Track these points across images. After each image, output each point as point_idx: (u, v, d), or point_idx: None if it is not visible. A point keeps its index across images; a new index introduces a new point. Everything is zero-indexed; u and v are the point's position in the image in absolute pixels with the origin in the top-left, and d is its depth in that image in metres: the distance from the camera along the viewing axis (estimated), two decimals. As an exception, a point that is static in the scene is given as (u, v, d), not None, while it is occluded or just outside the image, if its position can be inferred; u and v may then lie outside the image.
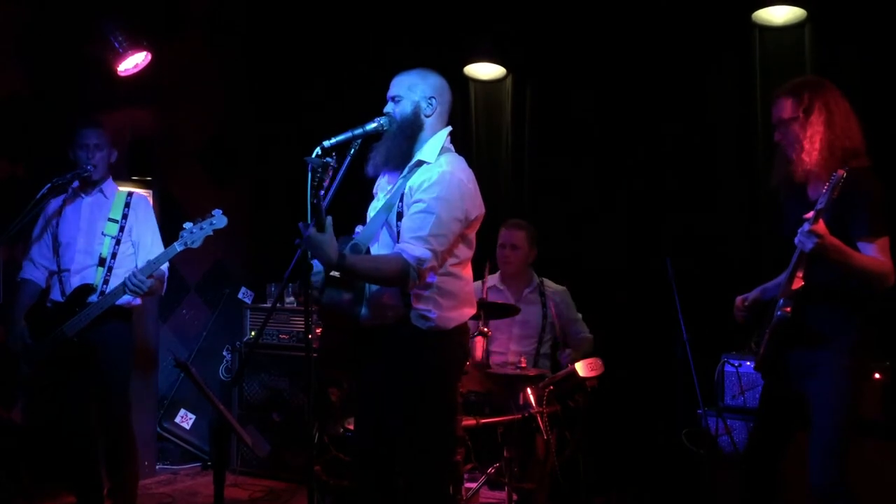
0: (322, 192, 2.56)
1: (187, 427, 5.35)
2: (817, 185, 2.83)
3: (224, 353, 5.40)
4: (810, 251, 2.69)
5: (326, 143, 2.66)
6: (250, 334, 5.23)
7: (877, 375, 3.50)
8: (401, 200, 2.82)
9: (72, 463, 4.01)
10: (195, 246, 3.72)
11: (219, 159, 5.99)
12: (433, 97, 2.90)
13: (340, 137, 2.72)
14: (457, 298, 2.87)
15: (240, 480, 4.96)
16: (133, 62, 4.60)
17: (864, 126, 2.92)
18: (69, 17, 4.79)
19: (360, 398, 3.01)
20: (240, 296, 5.39)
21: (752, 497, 3.02)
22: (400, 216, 2.81)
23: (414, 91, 2.88)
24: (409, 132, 2.86)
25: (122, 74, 4.63)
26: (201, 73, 5.80)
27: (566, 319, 4.32)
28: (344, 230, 3.27)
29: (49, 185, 3.84)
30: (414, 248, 2.68)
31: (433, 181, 2.76)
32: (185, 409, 5.35)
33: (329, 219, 2.60)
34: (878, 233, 2.78)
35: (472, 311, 2.96)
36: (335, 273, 2.60)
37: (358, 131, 2.77)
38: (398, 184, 2.87)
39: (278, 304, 5.12)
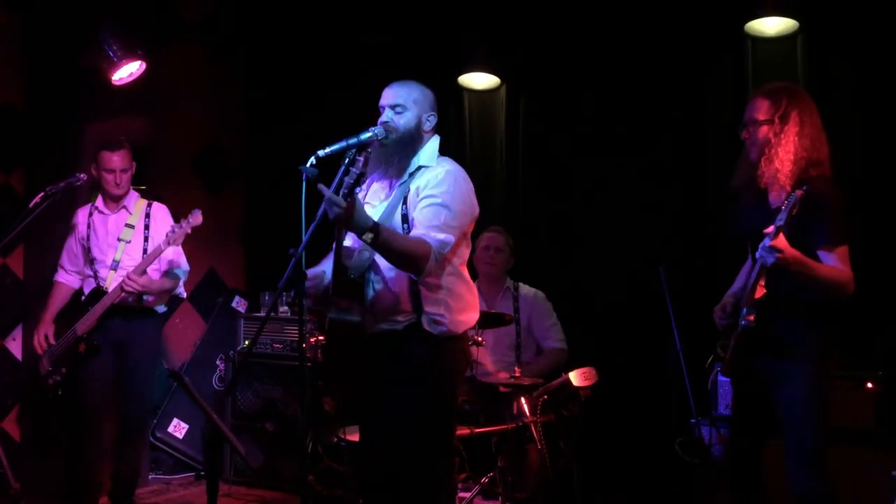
0: (351, 184, 2.65)
1: (180, 437, 5.33)
2: (780, 192, 2.87)
3: (217, 362, 5.38)
4: (771, 266, 2.71)
5: (321, 153, 2.71)
6: (244, 343, 5.22)
7: (869, 385, 3.51)
8: (404, 203, 2.89)
9: (76, 463, 4.10)
10: (177, 244, 3.97)
11: (212, 168, 5.99)
12: (432, 114, 3.01)
13: (335, 147, 2.76)
14: (465, 301, 2.97)
15: (233, 490, 4.94)
16: (127, 71, 4.60)
17: (856, 136, 2.95)
18: (63, 26, 4.79)
19: (365, 410, 3.04)
20: (233, 305, 5.38)
21: (738, 501, 3.04)
22: (405, 218, 2.87)
23: (418, 105, 2.96)
24: (411, 142, 2.94)
25: (117, 83, 4.62)
26: (195, 81, 5.80)
27: (536, 323, 4.30)
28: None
29: (42, 193, 3.87)
30: (436, 234, 2.77)
31: (441, 178, 2.87)
32: (178, 418, 5.33)
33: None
34: (837, 241, 2.80)
35: (477, 314, 3.05)
36: (368, 236, 2.62)
37: (353, 141, 2.80)
38: (399, 189, 2.93)
39: (272, 314, 5.11)
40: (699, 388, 3.81)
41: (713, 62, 4.47)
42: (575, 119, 4.82)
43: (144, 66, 4.63)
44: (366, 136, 2.83)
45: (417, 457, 2.87)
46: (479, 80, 5.09)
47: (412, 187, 2.90)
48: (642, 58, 4.59)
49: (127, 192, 4.19)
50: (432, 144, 3.00)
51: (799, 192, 2.68)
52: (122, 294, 3.95)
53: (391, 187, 2.97)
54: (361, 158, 2.61)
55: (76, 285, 4.26)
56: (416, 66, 4.91)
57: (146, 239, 4.16)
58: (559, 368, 4.09)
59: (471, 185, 2.97)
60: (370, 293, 2.87)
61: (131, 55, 4.57)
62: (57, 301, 4.23)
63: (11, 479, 4.41)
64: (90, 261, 4.16)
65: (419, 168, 2.94)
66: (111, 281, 4.06)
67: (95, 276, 4.13)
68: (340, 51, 5.54)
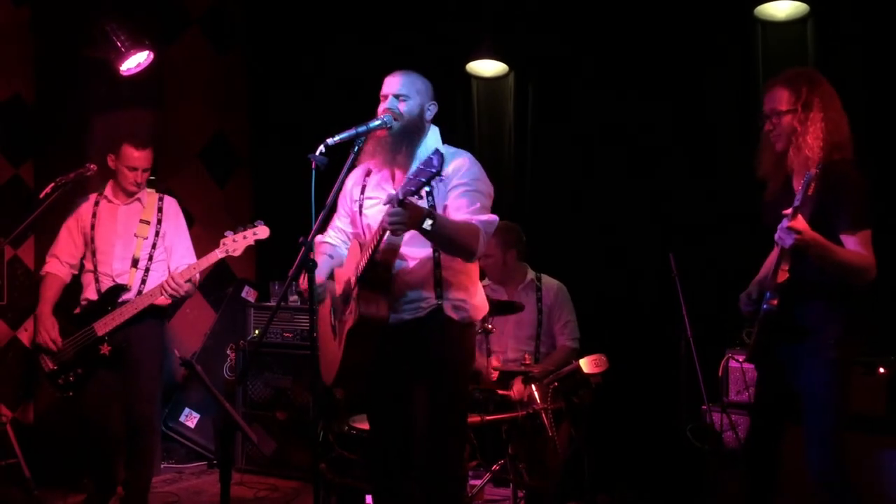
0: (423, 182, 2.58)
1: (192, 426, 5.35)
2: (802, 177, 2.85)
3: (227, 351, 5.40)
4: (790, 247, 2.70)
5: (330, 141, 2.73)
6: (254, 333, 5.24)
7: (881, 370, 3.50)
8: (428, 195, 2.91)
9: (91, 458, 4.04)
10: (236, 254, 3.78)
11: (220, 158, 6.00)
12: (433, 104, 3.04)
13: (344, 135, 2.77)
14: (478, 286, 3.08)
15: (245, 479, 4.96)
16: (136, 61, 4.60)
17: (866, 121, 2.93)
18: (70, 18, 4.80)
19: (381, 398, 3.07)
20: (243, 294, 5.39)
21: (754, 490, 3.03)
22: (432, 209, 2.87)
23: (421, 95, 2.98)
24: (416, 131, 2.95)
25: (125, 74, 4.62)
26: (201, 72, 5.82)
27: (552, 316, 4.28)
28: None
29: (53, 184, 3.86)
30: (480, 216, 2.82)
31: (468, 166, 2.93)
32: (189, 408, 5.35)
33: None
34: (859, 226, 2.78)
35: (486, 300, 3.13)
36: (428, 223, 2.59)
37: (362, 129, 2.81)
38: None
39: (282, 303, 5.12)
40: (710, 375, 3.80)
41: (723, 47, 4.43)
42: (583, 106, 4.80)
43: (153, 56, 4.63)
44: (375, 123, 2.85)
45: (435, 441, 2.91)
46: (487, 68, 5.07)
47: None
48: (651, 43, 4.56)
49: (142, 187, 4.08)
50: (434, 134, 3.04)
51: (813, 171, 2.66)
52: (161, 298, 3.81)
53: (398, 178, 2.98)
54: (435, 157, 2.50)
55: (67, 279, 4.05)
56: (424, 53, 4.91)
57: (157, 234, 4.03)
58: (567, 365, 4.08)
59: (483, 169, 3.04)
60: (395, 284, 2.90)
61: (139, 46, 4.56)
62: (52, 294, 3.98)
63: (25, 469, 4.45)
64: (92, 252, 3.98)
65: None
66: (134, 279, 3.94)
67: (95, 271, 3.96)
68: (346, 41, 5.53)
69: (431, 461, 2.94)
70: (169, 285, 3.77)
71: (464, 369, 3.04)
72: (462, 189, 2.87)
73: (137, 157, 3.96)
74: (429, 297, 2.92)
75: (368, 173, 3.11)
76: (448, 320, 2.93)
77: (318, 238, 3.20)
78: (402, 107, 2.93)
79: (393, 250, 2.87)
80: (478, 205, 2.86)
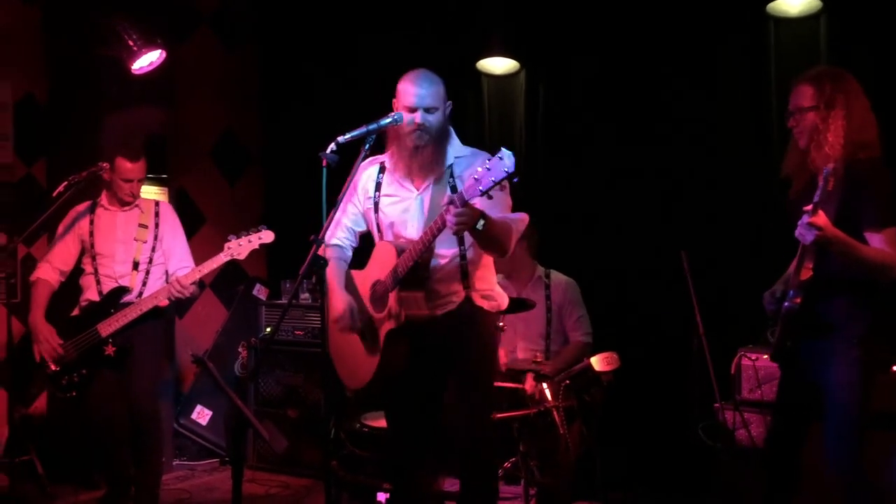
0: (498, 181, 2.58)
1: (204, 423, 5.37)
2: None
3: (239, 349, 5.42)
4: (811, 243, 2.69)
5: (341, 139, 2.74)
6: (265, 330, 5.25)
7: (895, 368, 3.47)
8: (453, 192, 2.93)
9: (100, 458, 4.07)
10: (241, 258, 3.83)
11: (231, 156, 6.01)
12: (449, 102, 3.06)
13: (355, 133, 2.78)
14: (495, 277, 3.20)
15: (256, 476, 4.98)
16: (148, 60, 4.61)
17: (879, 118, 2.90)
18: (82, 18, 4.81)
19: (407, 397, 3.11)
20: (254, 292, 5.40)
21: (774, 488, 3.01)
22: None
23: (443, 99, 3.02)
24: (444, 137, 3.02)
25: (137, 73, 4.64)
26: (211, 70, 5.83)
27: (564, 313, 4.28)
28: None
29: (66, 182, 3.88)
30: (512, 215, 2.93)
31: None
32: (201, 405, 5.37)
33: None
34: (885, 223, 2.75)
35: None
36: (480, 223, 2.64)
37: (372, 126, 2.82)
38: (440, 181, 2.99)
39: (293, 301, 5.12)
40: (722, 373, 3.79)
41: (736, 43, 4.41)
42: (594, 104, 4.79)
43: (164, 54, 4.64)
44: (385, 121, 2.86)
45: (473, 431, 3.00)
46: (497, 65, 5.05)
47: (459, 177, 2.98)
48: (663, 41, 4.54)
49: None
50: (453, 134, 3.09)
51: (831, 165, 2.65)
52: (165, 300, 3.88)
53: (426, 179, 3.02)
54: (507, 157, 2.49)
55: (56, 285, 4.06)
56: (434, 50, 4.90)
57: (156, 238, 4.06)
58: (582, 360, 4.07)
59: None
60: (430, 280, 2.99)
61: (151, 44, 4.58)
62: (43, 300, 4.00)
63: (38, 466, 4.48)
64: (92, 257, 4.01)
65: (455, 158, 3.04)
66: (135, 281, 3.99)
67: (96, 273, 3.99)
68: (356, 37, 5.53)
69: (468, 452, 3.03)
70: (174, 288, 3.83)
71: (494, 355, 3.31)
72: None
73: (131, 168, 3.96)
74: (458, 291, 3.02)
75: (382, 170, 3.11)
76: (479, 309, 3.05)
77: (328, 240, 3.19)
78: (433, 119, 2.96)
79: (431, 249, 2.90)
80: (510, 202, 2.97)
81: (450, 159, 3.01)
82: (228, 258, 3.80)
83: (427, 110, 2.93)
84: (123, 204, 4.05)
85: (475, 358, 3.05)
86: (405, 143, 2.94)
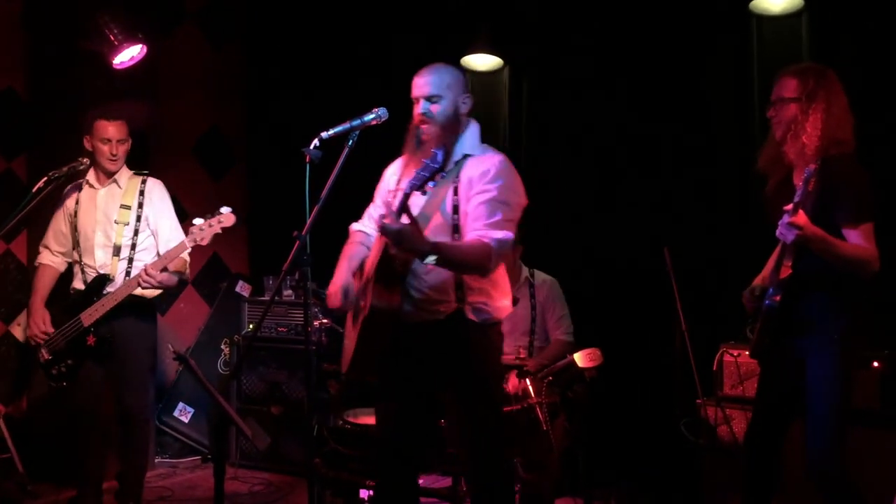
0: (426, 177, 2.56)
1: (186, 421, 5.35)
2: (802, 171, 2.85)
3: (222, 346, 5.39)
4: (792, 242, 2.71)
5: (324, 135, 2.72)
6: (248, 327, 5.23)
7: (875, 364, 3.51)
8: (455, 194, 2.85)
9: (78, 452, 4.01)
10: (204, 243, 3.72)
11: (214, 152, 5.98)
12: (467, 96, 2.95)
13: (339, 129, 2.76)
14: (503, 288, 3.00)
15: (239, 473, 4.96)
16: (129, 55, 4.57)
17: (861, 115, 2.93)
18: (63, 11, 4.77)
19: (393, 397, 3.04)
20: (237, 289, 5.38)
21: (754, 485, 3.03)
22: (456, 209, 2.85)
23: (452, 90, 2.91)
24: (453, 130, 2.89)
25: (118, 67, 4.59)
26: (196, 65, 5.79)
27: (548, 312, 4.28)
28: (342, 220, 3.27)
29: (45, 178, 3.84)
30: (495, 233, 2.72)
31: (496, 171, 2.82)
32: (183, 402, 5.34)
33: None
34: (861, 219, 2.79)
35: (510, 299, 3.06)
36: (431, 259, 2.57)
37: (356, 122, 2.79)
38: (446, 179, 2.86)
39: (276, 297, 5.11)
40: (705, 369, 3.81)
41: (718, 41, 4.44)
42: (578, 100, 4.80)
43: (146, 49, 4.60)
44: (369, 117, 2.82)
45: (477, 449, 2.91)
46: (482, 62, 5.05)
47: (463, 178, 2.86)
48: (647, 39, 4.56)
49: (119, 168, 3.98)
50: (473, 130, 2.96)
51: (812, 166, 2.67)
52: (138, 289, 3.77)
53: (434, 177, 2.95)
54: (439, 152, 2.48)
55: (62, 268, 4.04)
56: (418, 47, 4.89)
57: (139, 219, 3.93)
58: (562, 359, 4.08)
59: (518, 174, 2.93)
60: (413, 283, 2.85)
61: (133, 39, 4.54)
62: (44, 285, 3.98)
63: (18, 464, 4.44)
64: (75, 241, 3.93)
65: (465, 157, 2.90)
66: (117, 269, 3.88)
67: (80, 261, 3.91)
68: (341, 35, 5.51)
69: (479, 471, 2.95)
70: (142, 276, 3.71)
71: (490, 368, 2.97)
72: (485, 196, 2.78)
73: (109, 128, 3.87)
74: (449, 301, 2.86)
75: (408, 164, 3.06)
76: (468, 323, 2.87)
77: (354, 226, 3.21)
78: (436, 109, 2.87)
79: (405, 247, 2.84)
80: (498, 217, 2.75)
81: (457, 155, 2.89)
82: (192, 243, 3.70)
83: (428, 99, 2.88)
84: (107, 174, 3.94)
85: (469, 381, 2.89)
86: (412, 136, 2.88)
